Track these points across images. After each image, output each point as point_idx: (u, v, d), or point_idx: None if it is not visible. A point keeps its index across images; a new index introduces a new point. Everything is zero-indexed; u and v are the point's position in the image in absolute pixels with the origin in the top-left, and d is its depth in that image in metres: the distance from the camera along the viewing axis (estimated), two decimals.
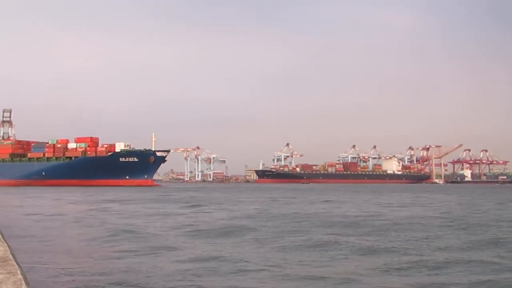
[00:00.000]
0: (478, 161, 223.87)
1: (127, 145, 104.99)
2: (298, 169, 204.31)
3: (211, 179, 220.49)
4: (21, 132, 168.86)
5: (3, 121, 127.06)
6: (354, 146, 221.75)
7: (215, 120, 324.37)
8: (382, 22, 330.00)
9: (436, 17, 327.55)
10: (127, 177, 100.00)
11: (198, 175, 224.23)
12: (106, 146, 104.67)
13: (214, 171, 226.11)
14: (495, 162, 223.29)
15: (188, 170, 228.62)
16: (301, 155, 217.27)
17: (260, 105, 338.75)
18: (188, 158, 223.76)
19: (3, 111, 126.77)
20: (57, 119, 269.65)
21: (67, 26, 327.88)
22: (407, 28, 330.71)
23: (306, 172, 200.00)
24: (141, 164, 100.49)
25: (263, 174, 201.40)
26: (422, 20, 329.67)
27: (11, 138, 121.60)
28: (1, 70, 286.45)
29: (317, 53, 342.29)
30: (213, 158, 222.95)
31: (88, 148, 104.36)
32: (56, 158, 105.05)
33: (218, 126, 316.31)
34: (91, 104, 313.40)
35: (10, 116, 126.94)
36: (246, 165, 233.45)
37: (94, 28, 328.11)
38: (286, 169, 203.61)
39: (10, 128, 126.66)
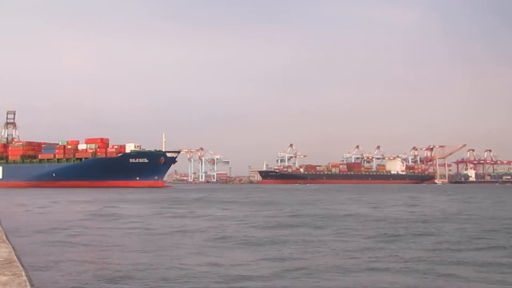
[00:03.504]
0: (482, 161, 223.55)
1: (137, 146, 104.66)
2: (301, 169, 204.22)
3: (214, 180, 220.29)
4: (31, 133, 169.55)
5: (7, 123, 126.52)
6: (357, 147, 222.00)
7: (219, 120, 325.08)
8: (385, 22, 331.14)
9: (440, 16, 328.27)
10: (138, 178, 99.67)
11: (201, 176, 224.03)
12: (116, 147, 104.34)
13: (217, 172, 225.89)
14: (499, 162, 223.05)
15: (192, 171, 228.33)
16: (304, 156, 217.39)
17: (263, 106, 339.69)
18: (192, 159, 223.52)
19: (7, 113, 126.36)
20: (66, 120, 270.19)
21: (70, 27, 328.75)
22: (410, 27, 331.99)
23: (310, 172, 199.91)
24: (151, 165, 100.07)
25: (266, 175, 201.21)
26: (426, 19, 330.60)
27: (15, 139, 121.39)
28: (8, 72, 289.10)
29: (320, 52, 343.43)
30: (217, 159, 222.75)
31: (98, 149, 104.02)
32: (67, 160, 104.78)
33: (221, 127, 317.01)
34: (99, 105, 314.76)
35: (14, 118, 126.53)
36: (249, 166, 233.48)
37: (97, 28, 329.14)
38: (289, 170, 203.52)
39: (14, 130, 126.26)
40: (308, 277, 10.96)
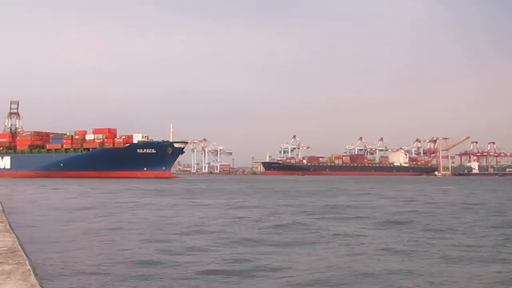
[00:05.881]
0: (486, 154, 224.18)
1: (145, 137, 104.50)
2: (304, 161, 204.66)
3: (217, 171, 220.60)
4: (37, 124, 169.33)
5: (11, 113, 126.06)
6: (361, 138, 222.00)
7: (222, 112, 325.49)
8: (391, 14, 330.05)
9: (446, 9, 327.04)
10: (145, 168, 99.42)
11: (205, 167, 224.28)
12: (124, 137, 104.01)
13: (220, 163, 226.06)
14: (502, 154, 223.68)
15: (195, 162, 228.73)
16: (307, 147, 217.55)
17: (267, 97, 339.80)
18: (195, 150, 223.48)
19: (11, 103, 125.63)
20: (73, 111, 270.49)
21: (77, 19, 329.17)
22: (416, 20, 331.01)
23: (313, 164, 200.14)
24: (159, 155, 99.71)
25: (269, 166, 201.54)
26: (431, 12, 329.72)
27: (19, 129, 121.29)
28: (16, 64, 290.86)
29: (325, 45, 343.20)
30: (220, 150, 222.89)
31: (105, 140, 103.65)
32: (74, 150, 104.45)
33: (224, 118, 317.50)
34: (106, 96, 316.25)
35: (17, 108, 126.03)
36: (252, 157, 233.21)
37: (104, 21, 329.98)
38: (292, 161, 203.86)
39: (18, 120, 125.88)
40: None
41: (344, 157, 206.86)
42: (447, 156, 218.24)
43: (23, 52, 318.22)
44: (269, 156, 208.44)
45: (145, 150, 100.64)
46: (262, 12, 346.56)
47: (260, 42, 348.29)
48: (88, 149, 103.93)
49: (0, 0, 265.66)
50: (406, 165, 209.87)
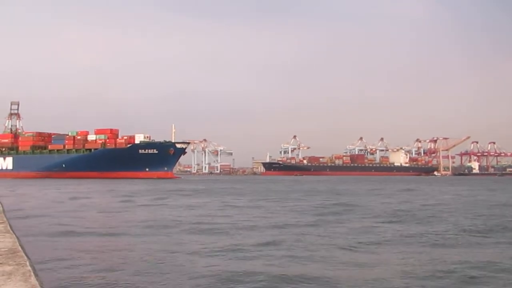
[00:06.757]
0: (486, 153, 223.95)
1: (147, 137, 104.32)
2: (305, 161, 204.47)
3: (218, 171, 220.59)
4: (37, 125, 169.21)
5: (11, 114, 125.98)
6: (361, 138, 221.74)
7: (222, 112, 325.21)
8: (391, 14, 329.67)
9: (446, 9, 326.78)
10: (147, 169, 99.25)
11: (205, 167, 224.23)
12: (126, 137, 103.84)
13: (221, 163, 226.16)
14: (503, 154, 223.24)
15: (195, 163, 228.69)
16: (308, 147, 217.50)
17: (267, 97, 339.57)
18: (195, 151, 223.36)
19: (11, 104, 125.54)
20: (74, 112, 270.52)
21: (78, 19, 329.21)
22: (416, 20, 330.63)
23: (313, 164, 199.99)
24: (161, 156, 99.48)
25: (270, 167, 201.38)
26: (431, 12, 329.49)
27: (19, 130, 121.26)
28: (16, 64, 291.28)
29: (325, 45, 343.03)
30: (220, 150, 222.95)
31: (107, 140, 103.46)
32: (76, 150, 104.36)
33: (224, 118, 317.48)
34: (107, 96, 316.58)
35: (17, 109, 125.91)
36: (253, 157, 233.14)
37: (105, 21, 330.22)
38: (293, 161, 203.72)
39: (18, 121, 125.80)
40: None
41: (344, 157, 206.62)
42: (448, 156, 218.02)
43: (23, 52, 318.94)
44: (270, 156, 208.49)
45: (147, 150, 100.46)
46: (262, 12, 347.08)
47: (260, 42, 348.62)
48: (90, 149, 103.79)
49: (0, 0, 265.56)
50: (407, 165, 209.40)
